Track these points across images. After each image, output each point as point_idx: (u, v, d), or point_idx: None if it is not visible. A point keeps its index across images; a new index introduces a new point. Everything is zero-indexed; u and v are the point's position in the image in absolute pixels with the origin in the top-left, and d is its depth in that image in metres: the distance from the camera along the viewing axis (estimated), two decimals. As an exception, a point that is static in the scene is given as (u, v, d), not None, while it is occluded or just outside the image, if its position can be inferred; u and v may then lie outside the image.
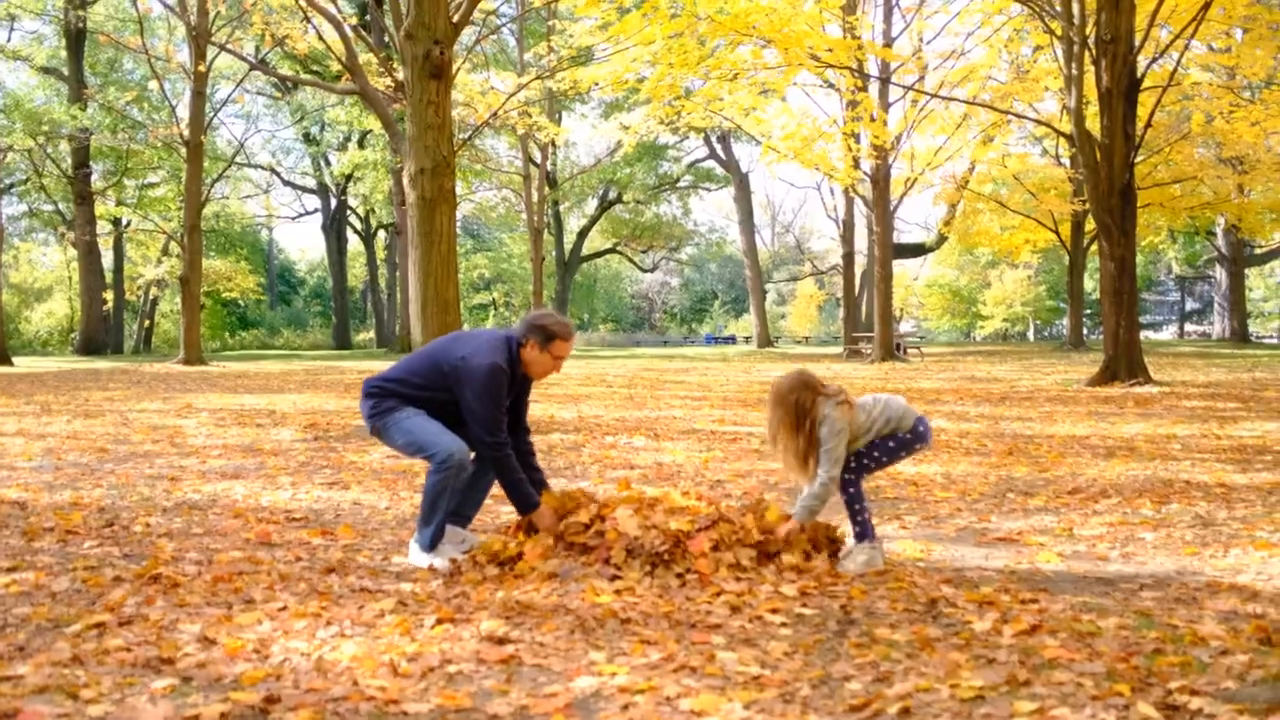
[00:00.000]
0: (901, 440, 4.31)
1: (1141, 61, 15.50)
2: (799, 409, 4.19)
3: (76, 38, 34.03)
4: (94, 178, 35.77)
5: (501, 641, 3.22)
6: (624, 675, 2.91)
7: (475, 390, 4.28)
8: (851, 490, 4.27)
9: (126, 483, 6.76)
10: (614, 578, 3.91)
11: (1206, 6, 15.12)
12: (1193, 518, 5.36)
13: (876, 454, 4.30)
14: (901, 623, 3.43)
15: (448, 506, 4.41)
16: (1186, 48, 17.09)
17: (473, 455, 4.48)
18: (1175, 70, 17.65)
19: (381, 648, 3.14)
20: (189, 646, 3.16)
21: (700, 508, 4.28)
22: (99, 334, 35.89)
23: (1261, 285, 55.22)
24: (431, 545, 4.39)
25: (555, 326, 4.44)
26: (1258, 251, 43.92)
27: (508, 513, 5.52)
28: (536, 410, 12.39)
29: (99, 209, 36.22)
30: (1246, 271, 44.06)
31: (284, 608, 3.62)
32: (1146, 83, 15.99)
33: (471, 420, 4.31)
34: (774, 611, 3.54)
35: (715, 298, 73.66)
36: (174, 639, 3.22)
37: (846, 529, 4.36)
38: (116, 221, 39.33)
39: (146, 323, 43.22)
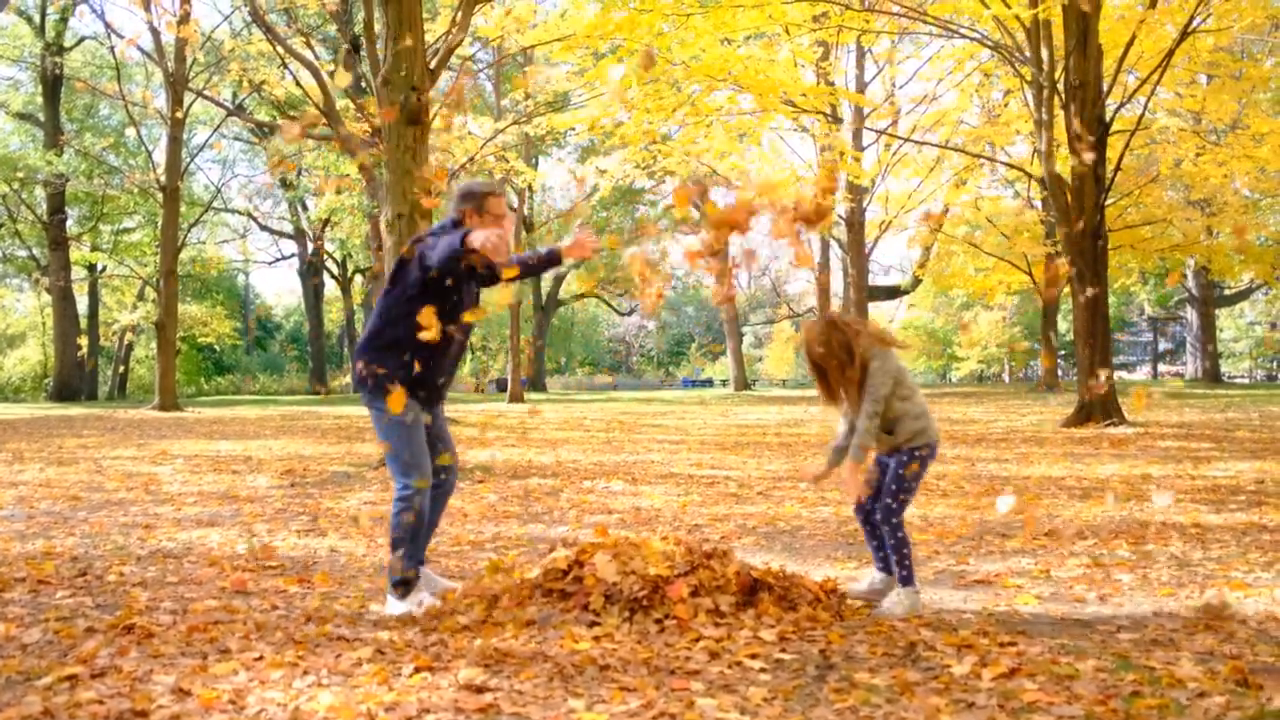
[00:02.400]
0: (924, 460, 4.37)
1: (1110, 106, 15.75)
2: (844, 347, 4.29)
3: (53, 84, 34.04)
4: (69, 223, 35.64)
5: (480, 690, 3.19)
6: (603, 723, 2.90)
7: (436, 247, 4.23)
8: (901, 534, 4.30)
9: (100, 531, 6.68)
10: (592, 624, 3.90)
11: (1171, 53, 15.41)
12: (1168, 558, 5.39)
13: (912, 483, 4.34)
14: (881, 667, 3.43)
15: (415, 547, 4.42)
16: (1153, 93, 17.38)
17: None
18: (1143, 115, 17.94)
19: (359, 697, 3.11)
20: (163, 698, 3.12)
21: (679, 553, 4.27)
22: (73, 380, 35.59)
23: (1232, 325, 55.79)
24: (402, 587, 4.37)
25: (479, 186, 4.53)
26: (1227, 292, 44.42)
27: (483, 558, 5.49)
28: (513, 455, 12.37)
29: (74, 254, 36.05)
30: (1217, 312, 44.53)
31: (260, 657, 3.58)
32: (1115, 127, 16.25)
33: (434, 254, 4.21)
34: (753, 657, 3.53)
35: (692, 341, 73.80)
36: (148, 691, 3.18)
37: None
38: (92, 267, 39.14)
39: (121, 368, 42.90)
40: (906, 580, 4.27)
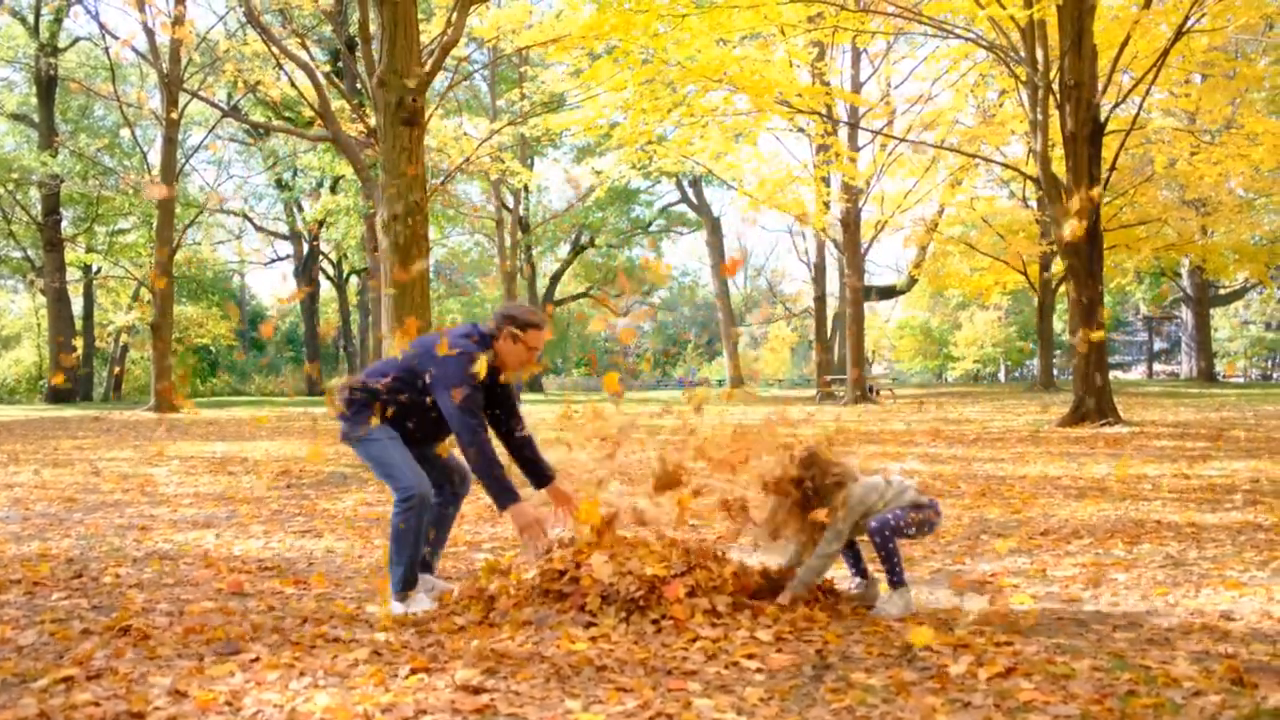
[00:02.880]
0: (925, 517, 4.32)
1: (1105, 106, 15.77)
2: (812, 489, 4.24)
3: (48, 84, 33.97)
4: (64, 224, 35.56)
5: (476, 691, 3.19)
6: (600, 724, 2.90)
7: (444, 370, 4.26)
8: (891, 545, 4.24)
9: (96, 533, 6.68)
10: (589, 625, 3.90)
11: (1166, 53, 15.43)
12: (1164, 558, 5.40)
13: (910, 529, 4.29)
14: (877, 667, 3.43)
15: (417, 550, 4.40)
16: (1148, 93, 17.42)
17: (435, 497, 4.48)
18: (1138, 115, 17.96)
19: (355, 698, 3.11)
20: (160, 700, 3.11)
21: (676, 553, 4.27)
22: (68, 381, 35.52)
23: (1227, 325, 55.86)
24: (403, 588, 4.37)
25: (527, 315, 4.47)
26: (1222, 292, 44.49)
27: (480, 558, 5.49)
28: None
29: (69, 255, 35.98)
30: (1212, 311, 44.60)
31: (256, 659, 3.58)
32: (1110, 127, 16.27)
33: (444, 404, 4.27)
34: (750, 657, 3.54)
35: (688, 341, 73.80)
36: (144, 692, 3.18)
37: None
38: (87, 268, 39.08)
39: (117, 370, 42.83)
40: (897, 582, 4.25)
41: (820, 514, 4.20)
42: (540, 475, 4.63)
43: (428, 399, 4.37)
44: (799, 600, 4.20)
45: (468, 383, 4.27)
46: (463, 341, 4.37)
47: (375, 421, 4.35)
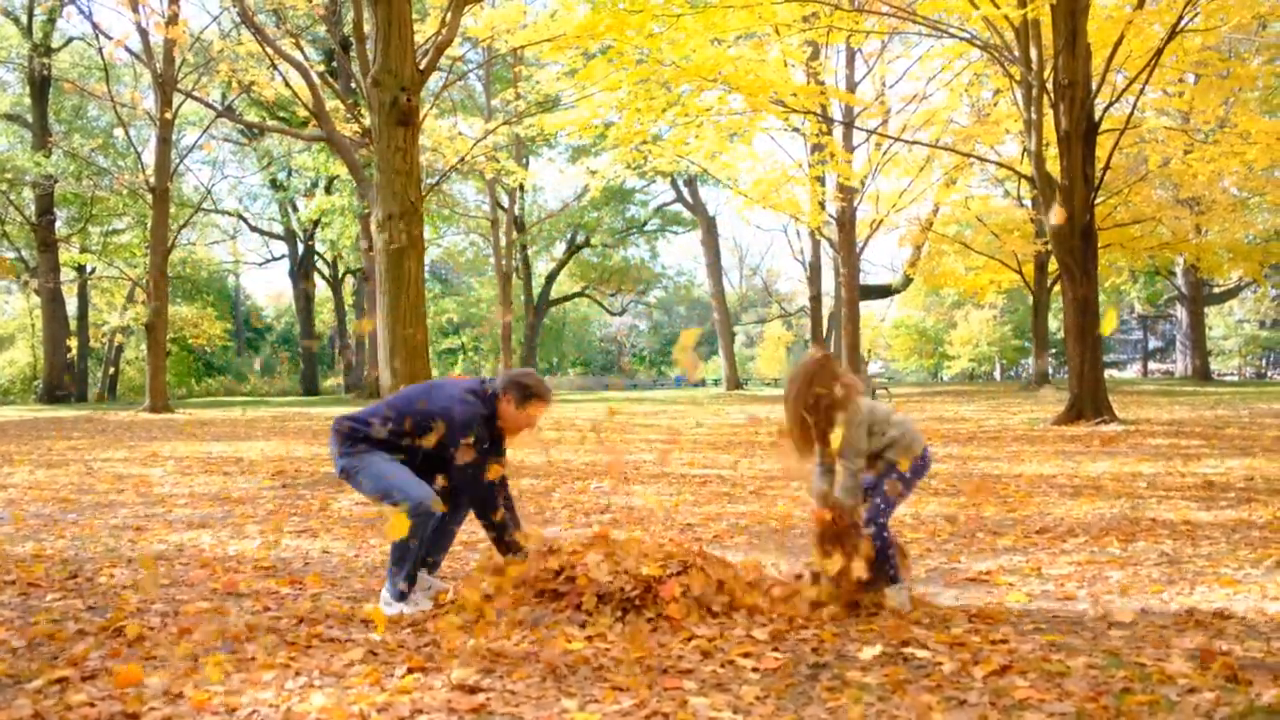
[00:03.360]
0: (917, 469, 4.32)
1: (1099, 105, 15.79)
2: (820, 402, 4.19)
3: (41, 85, 33.90)
4: (58, 224, 35.50)
5: (473, 690, 3.19)
6: (596, 723, 2.90)
7: (451, 424, 4.32)
8: (885, 535, 4.23)
9: (90, 533, 6.67)
10: (585, 624, 3.90)
11: (1159, 52, 15.45)
12: (1159, 555, 5.41)
13: (897, 479, 4.27)
14: (873, 665, 3.44)
15: (417, 555, 4.39)
16: (1142, 92, 17.43)
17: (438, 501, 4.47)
18: (1131, 114, 17.98)
19: (351, 698, 3.11)
20: (155, 701, 3.11)
21: (672, 552, 4.27)
22: (63, 382, 35.46)
23: (1221, 323, 55.98)
24: (402, 594, 4.36)
25: (535, 386, 4.50)
26: (1216, 291, 44.58)
27: (476, 558, 5.49)
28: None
29: (63, 256, 35.91)
30: (1206, 310, 44.68)
31: (252, 658, 3.58)
32: (1104, 126, 16.29)
33: (455, 465, 4.33)
34: (745, 656, 3.54)
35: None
36: (139, 693, 3.18)
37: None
38: (81, 268, 39.00)
39: (111, 370, 42.76)
40: (894, 578, 4.25)
41: (836, 436, 4.18)
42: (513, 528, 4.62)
43: (422, 443, 4.40)
44: (847, 512, 4.15)
45: (472, 437, 4.34)
46: (469, 398, 4.41)
47: (364, 449, 4.43)
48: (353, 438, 4.45)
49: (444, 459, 4.37)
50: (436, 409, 4.38)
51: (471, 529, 6.73)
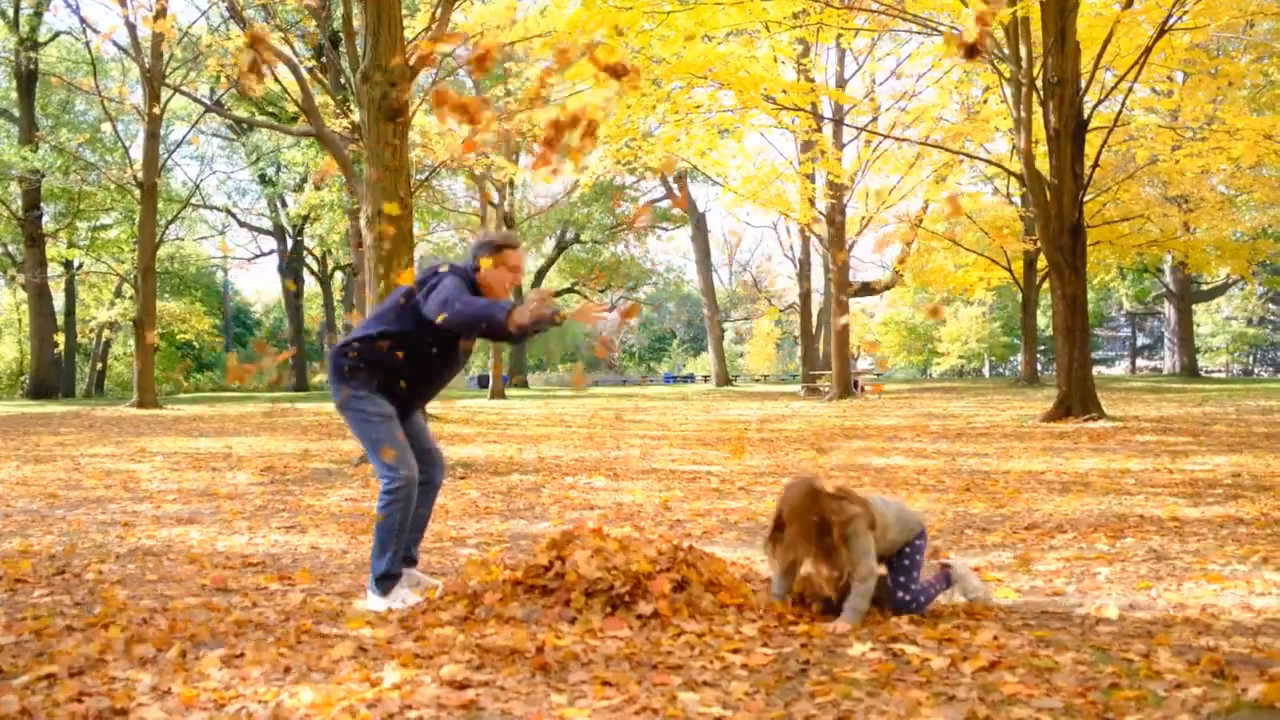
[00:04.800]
0: (917, 547, 4.19)
1: (1088, 103, 15.83)
2: (823, 526, 3.99)
3: (28, 79, 33.74)
4: (45, 219, 35.34)
5: (462, 686, 3.19)
6: (586, 718, 2.90)
7: (439, 288, 4.24)
8: (924, 600, 4.13)
9: (78, 529, 6.64)
10: (574, 620, 3.90)
11: (1148, 50, 15.49)
12: (1147, 552, 5.43)
13: (908, 564, 4.16)
14: (862, 661, 3.44)
15: (400, 544, 4.40)
16: (1131, 90, 17.47)
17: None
18: (1121, 111, 18.03)
19: (340, 694, 3.10)
20: (143, 696, 3.10)
21: (662, 548, 4.27)
22: (50, 377, 35.31)
23: (1209, 321, 56.24)
24: (384, 580, 4.37)
25: (500, 239, 4.56)
26: (1204, 288, 44.76)
27: (465, 553, 5.49)
28: (495, 451, 12.34)
29: (50, 251, 35.76)
30: (1194, 307, 44.87)
31: (241, 655, 3.57)
32: (1093, 123, 16.33)
33: (435, 304, 4.20)
34: (735, 652, 3.54)
35: (674, 336, 73.85)
36: (127, 689, 3.17)
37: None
38: (68, 264, 38.85)
39: (99, 365, 42.63)
40: (946, 585, 4.22)
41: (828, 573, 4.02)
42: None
43: (417, 336, 4.36)
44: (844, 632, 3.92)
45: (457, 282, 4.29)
46: (442, 275, 4.36)
47: (364, 390, 4.38)
48: (352, 368, 4.41)
49: (441, 339, 4.35)
50: (423, 283, 4.33)
51: (463, 525, 6.72)
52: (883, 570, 4.08)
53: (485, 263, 4.45)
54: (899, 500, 4.35)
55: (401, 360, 4.40)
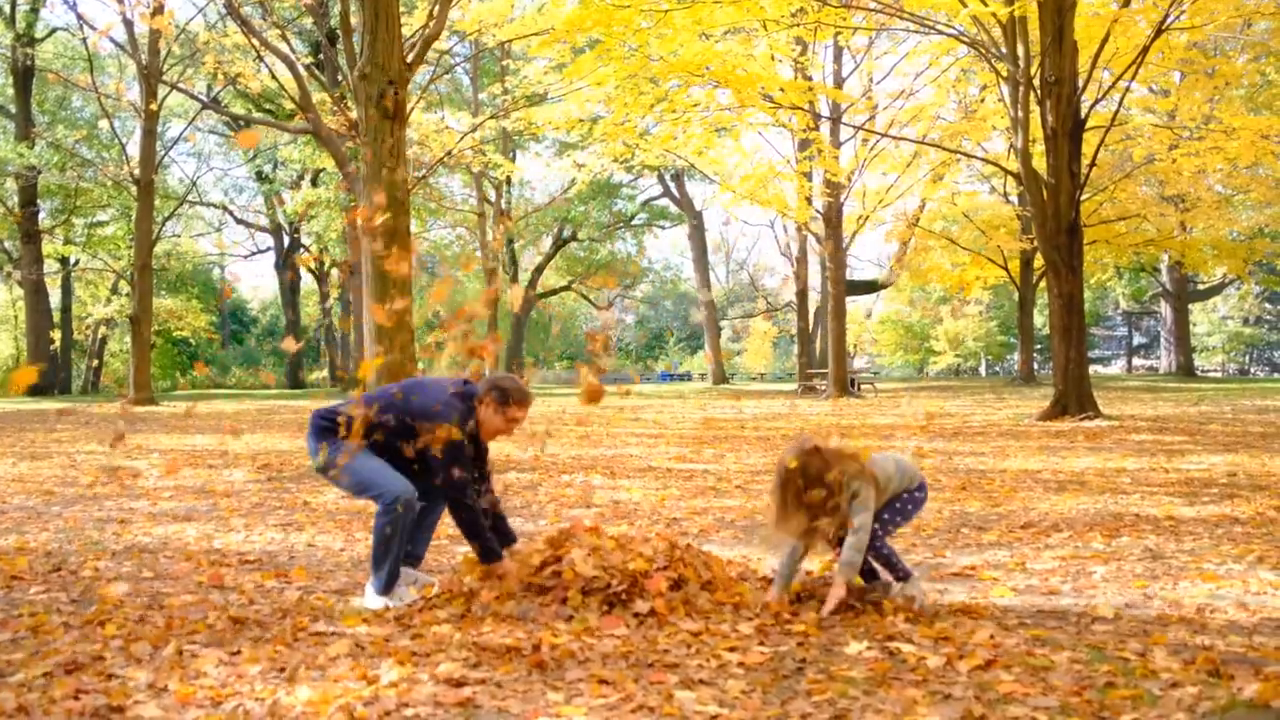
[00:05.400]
0: (916, 499, 4.31)
1: (1085, 102, 15.84)
2: (824, 482, 4.08)
3: (24, 75, 33.68)
4: (41, 216, 35.29)
5: (459, 684, 3.19)
6: (582, 716, 2.90)
7: (432, 422, 4.28)
8: (886, 551, 4.22)
9: (74, 526, 6.64)
10: (571, 618, 3.90)
11: (1145, 50, 15.50)
12: (1142, 551, 5.44)
13: (899, 519, 4.28)
14: (858, 660, 3.45)
15: (400, 548, 4.39)
16: (1128, 90, 17.48)
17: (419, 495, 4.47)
18: (1118, 111, 18.04)
19: (337, 692, 3.10)
20: (140, 694, 3.10)
21: (658, 547, 4.28)
22: (46, 374, 35.26)
23: (1205, 320, 56.28)
24: (386, 588, 4.36)
25: (514, 391, 4.46)
26: (1200, 287, 44.81)
27: (463, 550, 5.49)
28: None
29: (46, 247, 35.71)
30: (1190, 307, 44.91)
31: (237, 652, 3.57)
32: (1090, 123, 16.34)
33: (434, 460, 4.30)
34: (731, 650, 3.54)
35: (670, 335, 73.83)
36: (124, 686, 3.17)
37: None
38: (64, 260, 38.78)
39: (95, 362, 42.55)
40: (904, 575, 4.24)
41: (828, 524, 4.10)
42: (504, 540, 4.58)
43: (405, 442, 4.36)
44: (848, 590, 4.07)
45: (459, 462, 4.30)
46: (453, 401, 4.39)
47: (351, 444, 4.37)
48: (332, 432, 4.43)
49: (422, 457, 4.34)
50: (418, 409, 4.35)
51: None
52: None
53: (484, 395, 4.45)
54: (897, 454, 4.39)
55: (381, 445, 4.40)
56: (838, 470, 4.10)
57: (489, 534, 4.36)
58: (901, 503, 4.30)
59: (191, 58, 25.24)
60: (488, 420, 4.46)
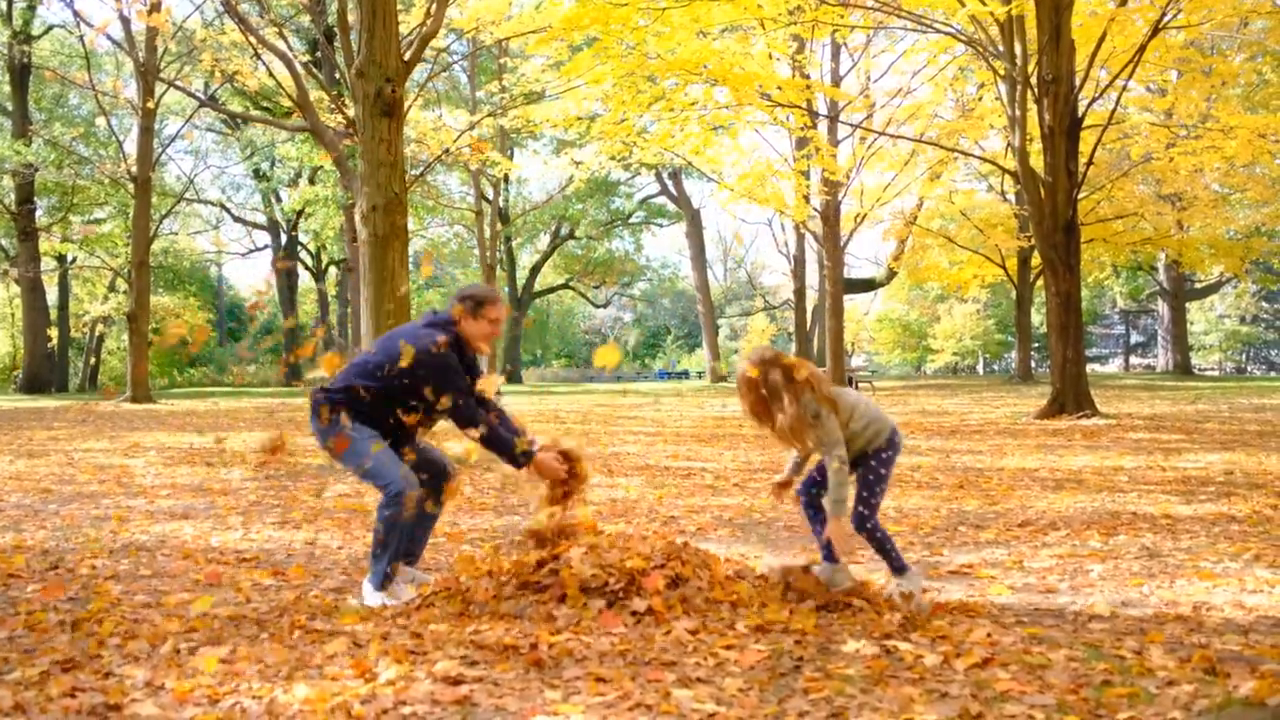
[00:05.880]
0: (888, 458, 4.27)
1: (1082, 101, 15.85)
2: (772, 391, 4.13)
3: (21, 72, 33.61)
4: (38, 213, 35.23)
5: (456, 682, 3.19)
6: (580, 714, 2.90)
7: (436, 375, 4.34)
8: (879, 535, 4.24)
9: (71, 524, 6.63)
10: (568, 616, 3.90)
11: (1142, 49, 15.52)
12: (1139, 549, 5.45)
13: (878, 486, 4.24)
14: (855, 658, 3.45)
15: (399, 544, 4.40)
16: (1125, 88, 17.50)
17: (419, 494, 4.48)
18: (1115, 109, 18.06)
19: (335, 689, 3.10)
20: (137, 692, 3.10)
21: (656, 545, 4.28)
22: (43, 372, 35.21)
23: (1202, 319, 56.32)
24: (383, 584, 4.37)
25: (482, 294, 4.57)
26: (1197, 286, 44.85)
27: (460, 550, 5.49)
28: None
29: (43, 245, 35.65)
30: (1187, 305, 44.96)
31: (235, 650, 3.57)
32: (1088, 121, 16.35)
33: (464, 418, 4.38)
34: (729, 648, 3.55)
35: (668, 333, 73.81)
36: (121, 684, 3.17)
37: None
38: (61, 258, 38.72)
39: (92, 360, 42.49)
40: (900, 567, 4.25)
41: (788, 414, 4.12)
42: (513, 452, 4.55)
43: (400, 389, 4.38)
44: (845, 532, 4.10)
45: (458, 377, 4.38)
46: (426, 330, 4.43)
47: (347, 422, 4.39)
48: (331, 409, 4.44)
49: (424, 406, 4.39)
50: (393, 350, 4.38)
51: (453, 520, 6.72)
52: (853, 479, 4.20)
53: (458, 310, 4.51)
54: (875, 405, 4.36)
55: (383, 410, 4.43)
56: (792, 387, 4.12)
57: (506, 438, 4.41)
58: (873, 470, 4.23)
59: (189, 55, 25.17)
60: (471, 331, 4.53)
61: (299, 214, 41.05)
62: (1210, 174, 27.47)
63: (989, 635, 3.69)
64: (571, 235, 48.35)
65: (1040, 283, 30.15)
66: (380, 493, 4.38)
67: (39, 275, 34.57)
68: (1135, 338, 67.00)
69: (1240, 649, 3.49)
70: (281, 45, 14.47)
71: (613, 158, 23.84)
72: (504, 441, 4.40)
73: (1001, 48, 16.34)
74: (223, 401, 26.70)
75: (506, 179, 30.64)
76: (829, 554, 4.27)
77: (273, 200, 44.39)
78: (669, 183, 44.18)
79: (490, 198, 34.68)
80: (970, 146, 27.07)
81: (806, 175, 26.36)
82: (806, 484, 4.39)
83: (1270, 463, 9.45)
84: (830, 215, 26.65)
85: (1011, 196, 32.04)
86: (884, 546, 4.26)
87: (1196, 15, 17.65)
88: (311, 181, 38.10)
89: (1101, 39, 15.64)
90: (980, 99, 26.97)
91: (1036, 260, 29.11)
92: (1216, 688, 3.04)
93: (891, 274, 38.45)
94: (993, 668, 3.29)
